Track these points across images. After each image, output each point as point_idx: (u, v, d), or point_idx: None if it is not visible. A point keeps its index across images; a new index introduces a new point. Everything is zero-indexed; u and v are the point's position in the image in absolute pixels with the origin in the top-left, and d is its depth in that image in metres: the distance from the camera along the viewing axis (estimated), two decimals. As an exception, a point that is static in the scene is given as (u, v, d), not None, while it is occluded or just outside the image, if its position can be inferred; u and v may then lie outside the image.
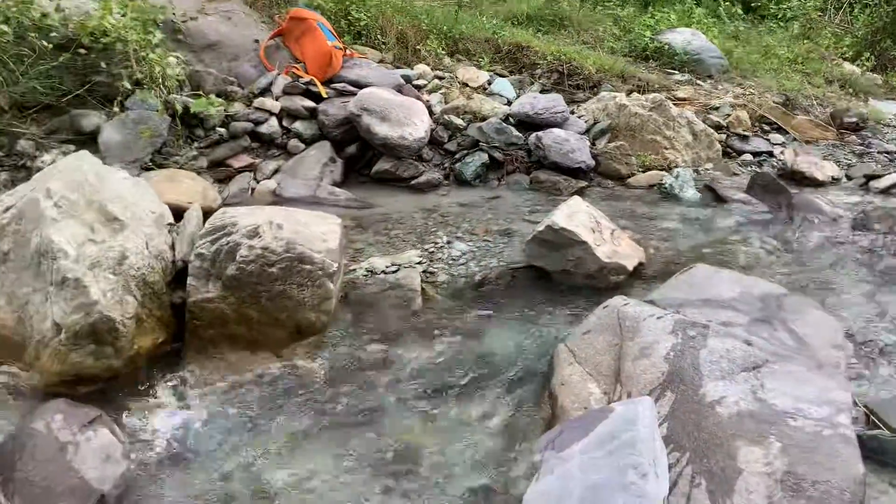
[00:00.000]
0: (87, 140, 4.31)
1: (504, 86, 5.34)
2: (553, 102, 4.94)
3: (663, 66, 6.45)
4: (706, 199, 4.60)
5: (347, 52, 5.10)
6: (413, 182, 4.58)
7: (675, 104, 5.32)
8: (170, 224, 3.35)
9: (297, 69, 4.93)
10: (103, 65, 4.41)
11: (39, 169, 4.12)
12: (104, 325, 2.78)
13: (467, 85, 5.34)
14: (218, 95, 4.60)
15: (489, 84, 5.41)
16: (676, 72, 6.38)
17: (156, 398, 2.85)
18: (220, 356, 3.04)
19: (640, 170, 4.84)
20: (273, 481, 2.55)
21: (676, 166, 4.89)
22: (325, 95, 4.78)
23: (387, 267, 3.59)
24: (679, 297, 3.07)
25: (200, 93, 4.56)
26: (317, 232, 3.17)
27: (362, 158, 4.74)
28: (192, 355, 3.05)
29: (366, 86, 4.78)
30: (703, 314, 2.90)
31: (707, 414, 2.41)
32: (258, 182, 4.48)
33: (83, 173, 3.07)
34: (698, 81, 6.26)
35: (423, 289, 3.46)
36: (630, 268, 3.53)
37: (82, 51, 4.34)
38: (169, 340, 3.09)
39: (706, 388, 2.49)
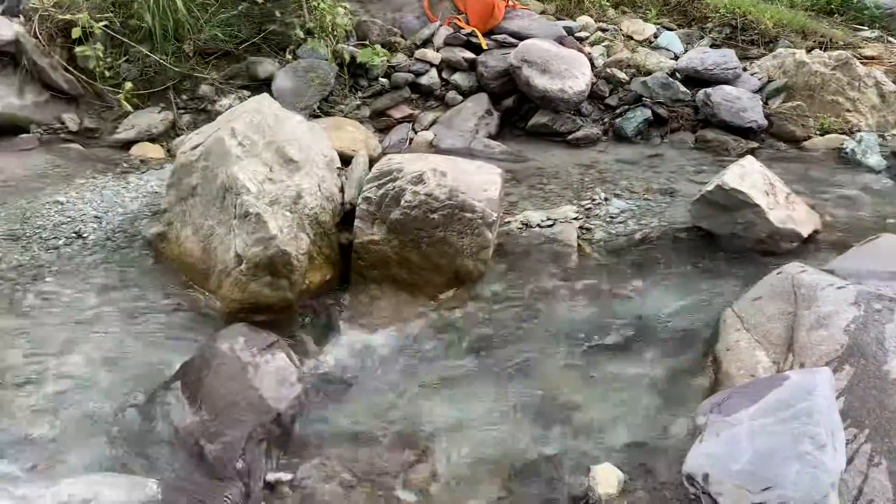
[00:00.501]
0: (261, 86, 4.54)
1: (671, 39, 5.10)
2: (724, 58, 4.67)
3: (849, 21, 5.91)
4: (893, 166, 4.21)
5: (509, 3, 5.04)
6: (570, 137, 4.50)
7: (861, 63, 4.88)
8: (339, 168, 3.48)
9: (459, 20, 4.93)
10: (278, 14, 4.62)
11: (218, 112, 4.40)
12: (280, 258, 2.95)
13: (632, 38, 5.15)
14: (382, 46, 4.70)
15: (655, 37, 5.18)
16: (865, 27, 5.83)
17: (323, 331, 3.01)
18: (382, 296, 3.15)
19: (818, 132, 4.49)
20: (430, 418, 2.64)
21: (859, 130, 4.50)
22: (485, 47, 4.76)
23: (542, 221, 3.57)
24: (861, 268, 2.85)
25: (366, 43, 4.68)
26: (478, 181, 3.19)
27: (518, 111, 4.70)
28: (356, 294, 3.18)
29: (527, 37, 4.71)
30: (890, 287, 2.68)
31: (892, 392, 2.24)
32: (416, 133, 4.56)
33: (263, 115, 3.24)
34: (890, 38, 5.69)
35: (579, 245, 3.42)
36: (804, 235, 3.31)
37: (259, 0, 4.56)
38: (335, 278, 3.23)
39: (891, 365, 2.32)
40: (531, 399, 2.72)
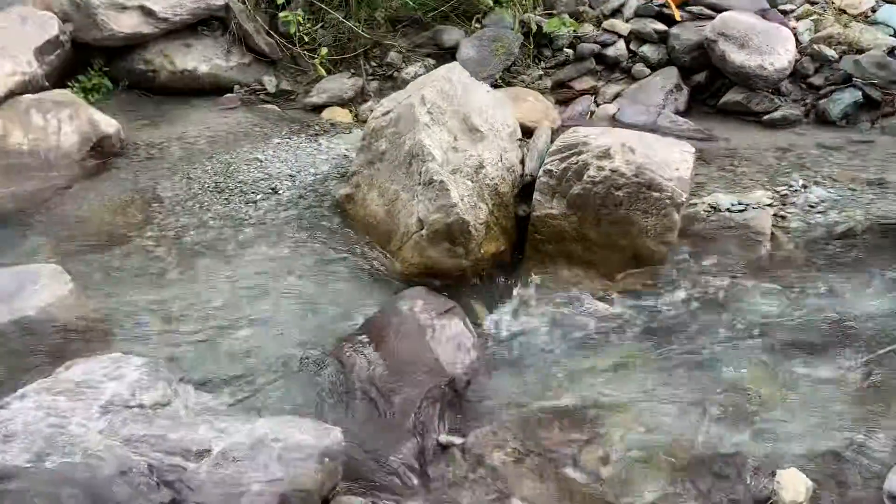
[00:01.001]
0: (446, 54, 4.59)
1: (892, 13, 4.59)
2: (956, 34, 4.15)
3: None
4: None
5: (708, -28, 4.74)
6: (765, 117, 4.20)
7: None
8: (520, 139, 3.47)
9: (652, -10, 4.72)
10: (467, -18, 4.64)
11: (404, 79, 4.51)
12: (460, 226, 2.99)
13: (845, 12, 4.68)
14: (569, 15, 4.60)
15: (873, 11, 4.68)
16: None
17: (496, 301, 3.03)
18: (556, 271, 3.12)
19: None
20: (601, 399, 2.59)
21: None
22: (678, 19, 4.53)
23: (732, 205, 3.37)
24: None
25: (553, 12, 4.60)
26: (668, 159, 3.06)
27: (709, 88, 4.45)
28: (530, 267, 3.17)
29: (725, 9, 4.43)
30: None
31: None
32: (598, 105, 4.45)
33: (453, 84, 3.28)
34: None
35: (772, 233, 3.21)
36: None
37: (450, -32, 4.60)
38: (509, 250, 3.23)
39: None
40: (710, 392, 2.60)
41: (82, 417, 1.88)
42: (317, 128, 4.20)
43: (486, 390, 2.57)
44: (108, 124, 3.84)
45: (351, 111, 4.48)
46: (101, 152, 3.80)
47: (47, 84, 4.04)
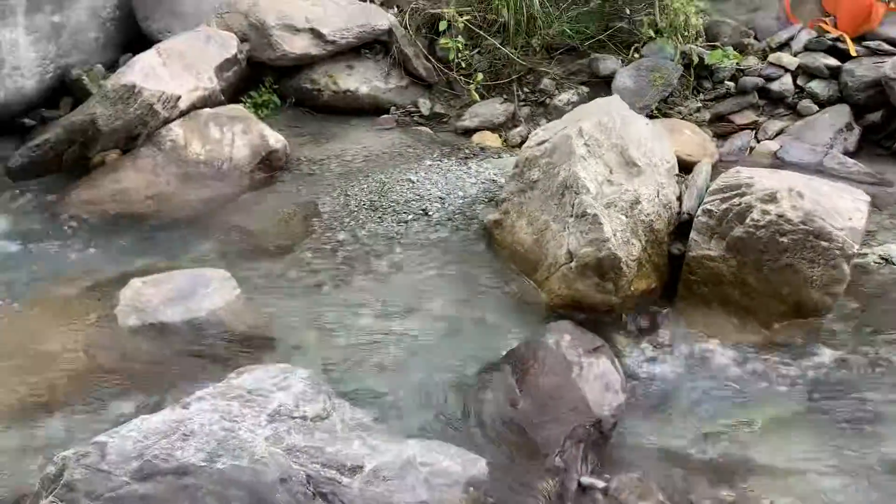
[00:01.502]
0: (601, 83, 4.58)
1: None
2: None
3: None
4: None
5: (892, 4, 4.45)
6: (950, 163, 3.90)
7: None
8: (677, 175, 3.38)
9: (826, 23, 4.49)
10: (627, 11, 4.60)
11: (556, 106, 4.54)
12: (610, 262, 2.94)
13: None
14: (733, 47, 4.46)
15: None
16: None
17: (644, 341, 2.95)
18: (710, 315, 3.01)
19: None
20: (751, 456, 2.47)
21: None
22: (853, 54, 4.29)
23: (907, 258, 3.14)
24: None
25: (716, 44, 4.47)
26: (840, 207, 2.88)
27: (885, 128, 4.18)
28: (682, 308, 3.07)
29: (908, 45, 4.15)
30: None
31: None
32: (759, 141, 4.29)
33: (611, 116, 3.24)
34: None
35: (954, 291, 2.96)
36: None
37: (612, -3, 4.59)
38: (660, 288, 3.15)
39: None
40: (875, 461, 2.41)
41: (251, 423, 2.00)
42: (467, 151, 4.28)
43: (632, 434, 2.51)
44: (276, 140, 4.09)
45: (500, 136, 4.53)
46: (269, 166, 4.04)
47: (223, 99, 4.34)
